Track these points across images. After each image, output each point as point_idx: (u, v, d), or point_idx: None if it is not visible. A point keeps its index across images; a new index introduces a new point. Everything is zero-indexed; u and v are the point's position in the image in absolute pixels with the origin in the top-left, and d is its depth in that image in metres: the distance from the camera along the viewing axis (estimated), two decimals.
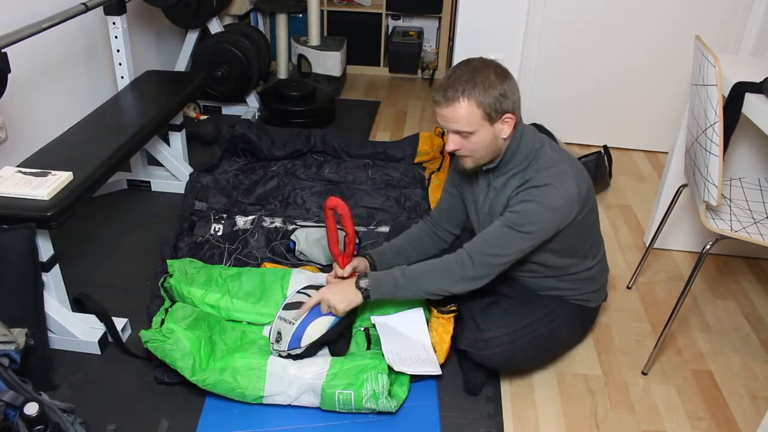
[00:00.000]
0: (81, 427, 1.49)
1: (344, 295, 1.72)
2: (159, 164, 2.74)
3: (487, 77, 1.53)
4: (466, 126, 1.55)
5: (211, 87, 3.34)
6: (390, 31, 4.23)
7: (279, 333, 1.73)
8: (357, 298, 1.72)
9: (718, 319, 2.11)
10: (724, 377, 1.88)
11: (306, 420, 1.66)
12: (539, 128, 2.44)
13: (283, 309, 1.77)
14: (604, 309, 2.08)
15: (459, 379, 1.80)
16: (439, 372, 1.75)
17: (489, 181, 1.73)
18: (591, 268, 1.78)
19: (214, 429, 1.63)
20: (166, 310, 1.84)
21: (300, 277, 2.02)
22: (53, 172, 1.81)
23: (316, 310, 1.73)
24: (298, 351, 1.71)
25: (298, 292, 1.82)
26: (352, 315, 1.81)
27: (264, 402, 1.67)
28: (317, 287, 1.82)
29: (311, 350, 1.73)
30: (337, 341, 1.78)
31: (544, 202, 1.56)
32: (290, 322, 1.72)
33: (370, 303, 1.94)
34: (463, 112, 1.53)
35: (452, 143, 1.60)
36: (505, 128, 1.58)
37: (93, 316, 1.89)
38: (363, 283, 1.72)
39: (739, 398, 1.81)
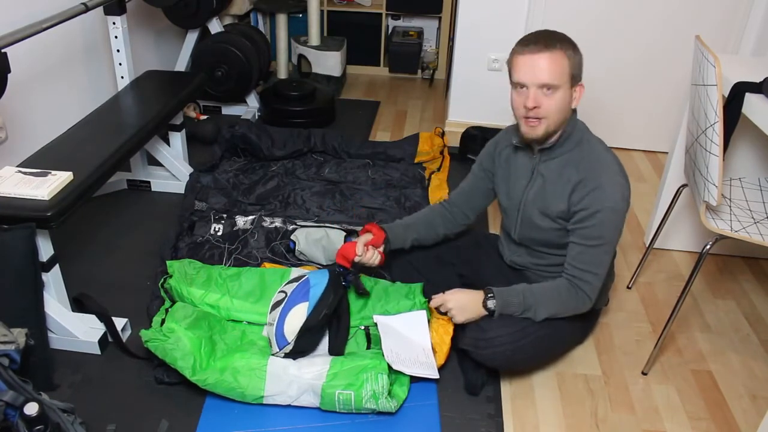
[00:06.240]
0: (81, 427, 1.48)
1: (468, 310, 1.71)
2: (159, 164, 2.74)
3: (573, 41, 1.55)
4: (557, 78, 1.53)
5: (211, 87, 3.34)
6: (390, 31, 4.23)
7: (269, 338, 1.74)
8: (479, 315, 1.71)
9: (718, 319, 2.11)
10: (724, 377, 1.88)
11: (306, 420, 1.66)
12: None
13: (269, 313, 1.77)
14: (604, 309, 2.08)
15: (459, 379, 1.80)
16: (436, 376, 1.74)
17: (535, 166, 1.72)
18: None
19: (214, 429, 1.63)
20: (167, 310, 1.84)
21: None
22: (53, 172, 1.81)
23: (289, 302, 1.72)
24: (290, 347, 1.69)
25: (280, 291, 1.81)
26: (334, 303, 1.76)
27: (264, 402, 1.67)
28: (297, 278, 1.80)
29: (303, 343, 1.70)
30: (336, 338, 1.77)
31: (610, 205, 1.60)
32: (271, 324, 1.73)
33: (371, 302, 1.95)
34: (558, 61, 1.51)
35: (533, 99, 1.54)
36: (576, 97, 1.60)
37: (93, 316, 1.89)
38: (491, 303, 1.68)
39: (739, 398, 1.81)
